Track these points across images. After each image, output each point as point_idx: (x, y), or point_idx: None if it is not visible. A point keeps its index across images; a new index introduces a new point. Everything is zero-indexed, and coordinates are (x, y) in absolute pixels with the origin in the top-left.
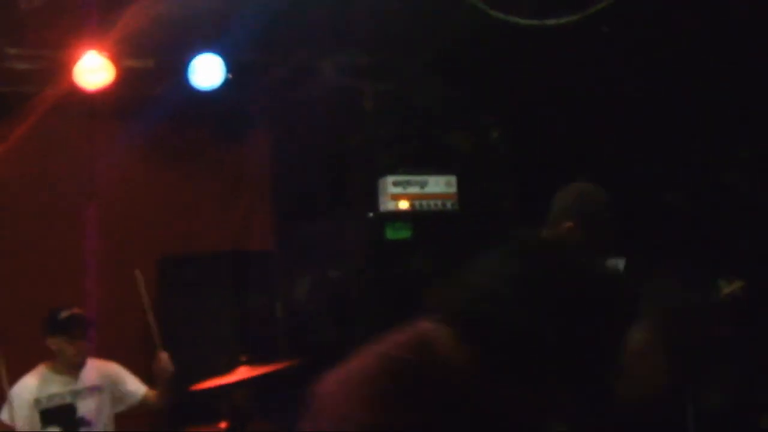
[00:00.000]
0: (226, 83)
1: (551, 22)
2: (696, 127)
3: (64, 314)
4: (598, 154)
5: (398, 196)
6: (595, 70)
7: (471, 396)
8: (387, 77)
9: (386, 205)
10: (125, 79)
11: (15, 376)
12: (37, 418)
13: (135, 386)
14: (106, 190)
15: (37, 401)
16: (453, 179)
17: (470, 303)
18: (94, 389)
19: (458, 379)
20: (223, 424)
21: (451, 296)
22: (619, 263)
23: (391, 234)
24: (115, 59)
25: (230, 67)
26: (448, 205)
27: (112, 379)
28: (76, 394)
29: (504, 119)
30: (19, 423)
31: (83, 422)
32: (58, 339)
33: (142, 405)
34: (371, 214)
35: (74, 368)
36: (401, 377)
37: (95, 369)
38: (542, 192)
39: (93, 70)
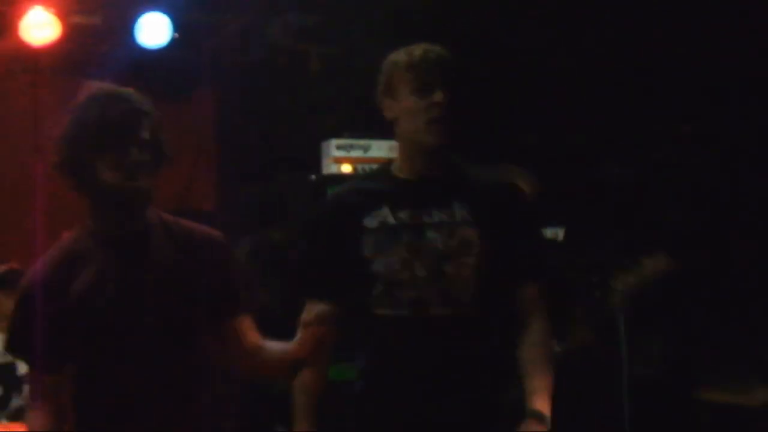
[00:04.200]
0: (173, 43)
1: None
2: (638, 100)
3: (2, 270)
4: (540, 123)
5: (341, 159)
6: (539, 39)
7: None
8: (334, 40)
9: (329, 168)
10: (71, 36)
11: None
12: None
13: None
14: (51, 147)
15: None
16: (396, 144)
17: None
18: None
19: None
20: None
21: None
22: (559, 232)
23: None
24: (62, 15)
25: (177, 26)
26: None
27: None
28: None
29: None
30: None
31: (26, 380)
32: None
33: None
34: (313, 177)
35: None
36: None
37: None
38: (482, 159)
39: (39, 25)
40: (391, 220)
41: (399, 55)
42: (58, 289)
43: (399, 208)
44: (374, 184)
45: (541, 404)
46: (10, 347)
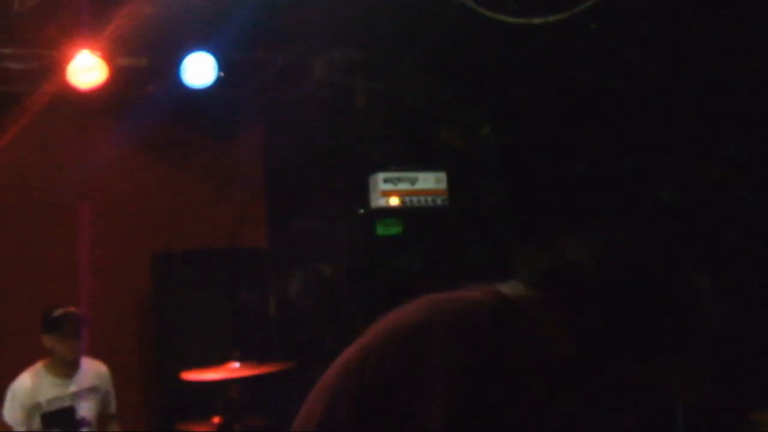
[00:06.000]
0: (219, 81)
1: (538, 20)
2: (686, 123)
3: (57, 313)
4: (588, 150)
5: (389, 192)
6: (584, 67)
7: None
8: (378, 74)
9: (377, 201)
10: (118, 78)
11: (12, 372)
12: (38, 421)
13: (112, 399)
14: (100, 188)
15: (37, 405)
16: (443, 175)
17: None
18: (92, 390)
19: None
20: (216, 419)
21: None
22: None
23: (381, 230)
24: (108, 58)
25: (222, 65)
26: (439, 201)
27: (106, 382)
28: (75, 396)
29: (494, 115)
30: (21, 425)
31: (83, 423)
32: (51, 337)
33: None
34: (362, 211)
35: (69, 367)
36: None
37: (91, 369)
38: (532, 188)
39: (86, 69)
40: None
41: None
42: None
43: None
44: None
45: None
46: None
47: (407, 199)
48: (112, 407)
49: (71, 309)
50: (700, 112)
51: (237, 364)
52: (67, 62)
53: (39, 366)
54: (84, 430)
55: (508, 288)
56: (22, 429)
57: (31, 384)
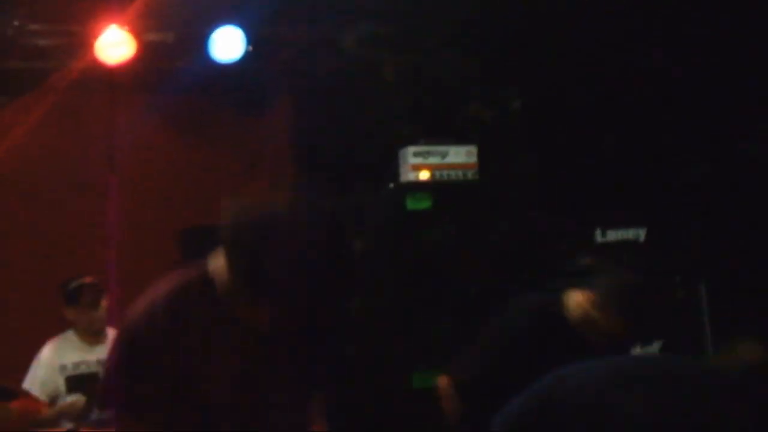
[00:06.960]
0: (247, 56)
1: None
2: (719, 97)
3: (73, 284)
4: (620, 123)
5: (419, 166)
6: (617, 40)
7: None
8: (407, 48)
9: (407, 175)
10: (146, 53)
11: (33, 347)
12: (61, 383)
13: None
14: (128, 163)
15: (62, 367)
16: (474, 149)
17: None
18: None
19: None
20: None
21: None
22: (641, 233)
23: (411, 204)
24: (136, 33)
25: (251, 39)
26: (469, 175)
27: None
28: (101, 363)
29: (525, 89)
30: (41, 386)
31: None
32: (71, 309)
33: None
34: (392, 185)
35: (95, 335)
36: None
37: None
38: (562, 161)
39: (114, 44)
40: None
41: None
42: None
43: None
44: None
45: None
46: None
47: (437, 173)
48: None
49: (87, 279)
50: (734, 87)
51: None
52: (95, 37)
53: (69, 331)
54: None
55: (213, 264)
56: (42, 393)
57: (57, 347)
